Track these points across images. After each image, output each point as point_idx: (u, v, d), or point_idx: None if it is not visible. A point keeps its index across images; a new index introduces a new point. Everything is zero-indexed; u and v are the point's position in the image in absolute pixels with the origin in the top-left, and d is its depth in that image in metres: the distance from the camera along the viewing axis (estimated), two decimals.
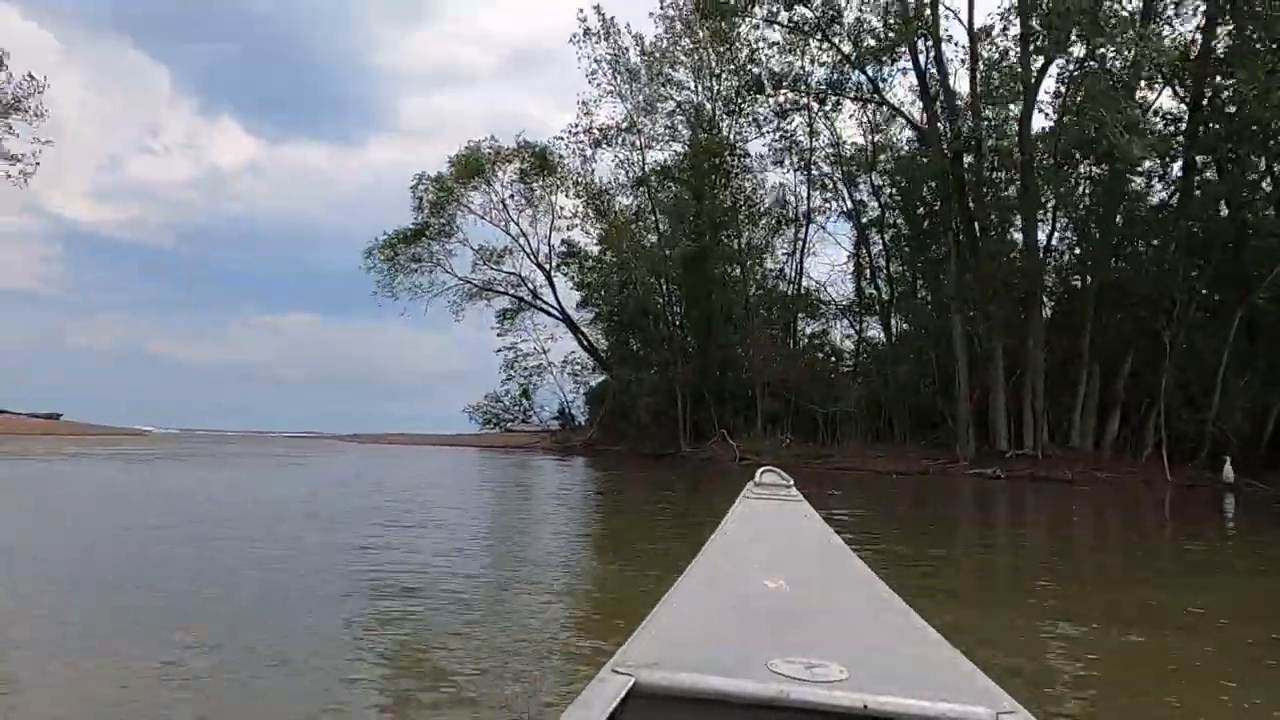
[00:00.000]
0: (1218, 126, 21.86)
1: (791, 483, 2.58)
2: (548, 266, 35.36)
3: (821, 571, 1.69)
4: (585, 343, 37.25)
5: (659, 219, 34.75)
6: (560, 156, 33.35)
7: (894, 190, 29.94)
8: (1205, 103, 21.91)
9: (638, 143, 33.70)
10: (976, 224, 24.56)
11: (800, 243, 33.47)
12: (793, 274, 33.59)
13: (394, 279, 33.32)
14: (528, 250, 34.86)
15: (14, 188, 28.24)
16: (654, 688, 0.93)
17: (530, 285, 35.71)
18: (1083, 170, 22.71)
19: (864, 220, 31.36)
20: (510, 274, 35.24)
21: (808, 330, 33.99)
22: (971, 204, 24.72)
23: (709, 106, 33.62)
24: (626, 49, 31.92)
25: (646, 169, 34.24)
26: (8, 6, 51.55)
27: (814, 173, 32.70)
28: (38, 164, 27.70)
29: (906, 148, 28.41)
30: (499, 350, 46.47)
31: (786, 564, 1.62)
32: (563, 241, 35.49)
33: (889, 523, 11.99)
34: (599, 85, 32.48)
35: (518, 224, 34.29)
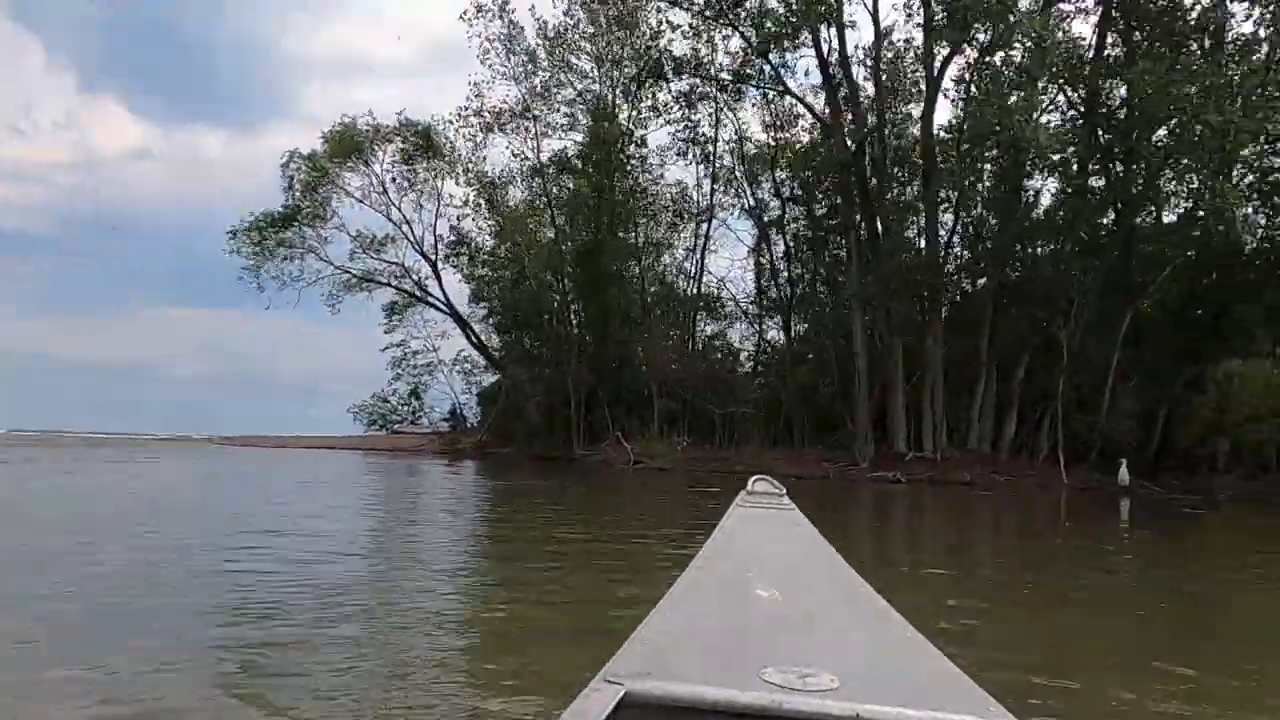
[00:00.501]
0: (1108, 131, 21.89)
1: (784, 491, 2.52)
2: (434, 257, 32.87)
3: (814, 580, 1.67)
4: (475, 340, 34.98)
5: (554, 212, 32.91)
6: (449, 141, 31.05)
7: (796, 185, 29.15)
8: (1099, 105, 21.91)
9: (533, 130, 31.84)
10: (878, 220, 23.89)
11: (701, 240, 32.35)
12: (693, 271, 32.39)
13: (261, 265, 30.11)
14: (411, 239, 32.34)
15: None
16: (645, 697, 0.91)
17: (415, 277, 33.17)
18: (985, 168, 22.32)
19: (765, 219, 30.48)
20: (393, 264, 32.61)
21: (707, 330, 32.85)
22: (873, 200, 24.05)
23: (610, 96, 32.09)
24: (522, 28, 29.99)
25: (543, 159, 32.41)
26: None
27: (716, 166, 31.61)
28: None
29: (809, 145, 27.59)
30: (385, 348, 43.71)
31: (779, 573, 1.60)
32: (451, 229, 33.11)
33: None
34: (491, 67, 30.47)
35: (400, 210, 31.75)
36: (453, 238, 33.16)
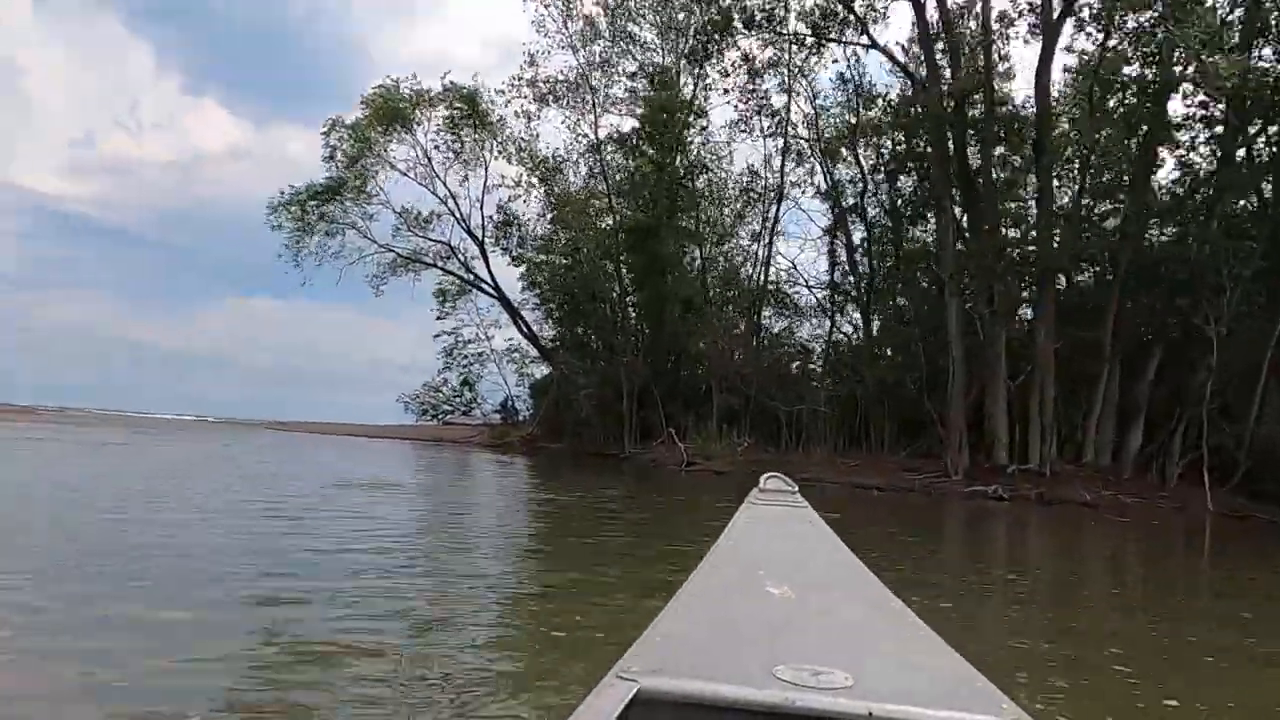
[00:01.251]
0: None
1: (796, 488, 2.50)
2: (480, 237, 30.64)
3: (827, 578, 1.66)
4: (525, 329, 32.71)
5: (611, 195, 30.32)
6: (497, 112, 28.77)
7: (880, 156, 25.79)
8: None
9: (590, 103, 29.29)
10: (979, 190, 20.41)
11: (770, 223, 29.20)
12: (761, 256, 29.30)
13: (301, 242, 28.44)
14: (458, 215, 30.16)
15: None
16: (658, 694, 0.91)
17: (462, 257, 31.01)
18: (1114, 116, 18.52)
19: (842, 201, 27.21)
20: (439, 243, 30.52)
21: (774, 321, 29.75)
22: (973, 169, 20.61)
23: (674, 68, 29.35)
24: None
25: (600, 136, 29.86)
26: None
27: (788, 138, 28.43)
28: None
29: (899, 103, 24.15)
30: (437, 335, 42.11)
31: (791, 570, 1.59)
32: (499, 209, 30.84)
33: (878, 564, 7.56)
34: (547, 34, 28.09)
35: (445, 184, 29.61)
36: (500, 218, 30.83)
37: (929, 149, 21.83)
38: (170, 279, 75.81)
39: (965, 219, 21.22)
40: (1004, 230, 20.25)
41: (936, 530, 12.63)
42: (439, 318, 41.03)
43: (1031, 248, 19.32)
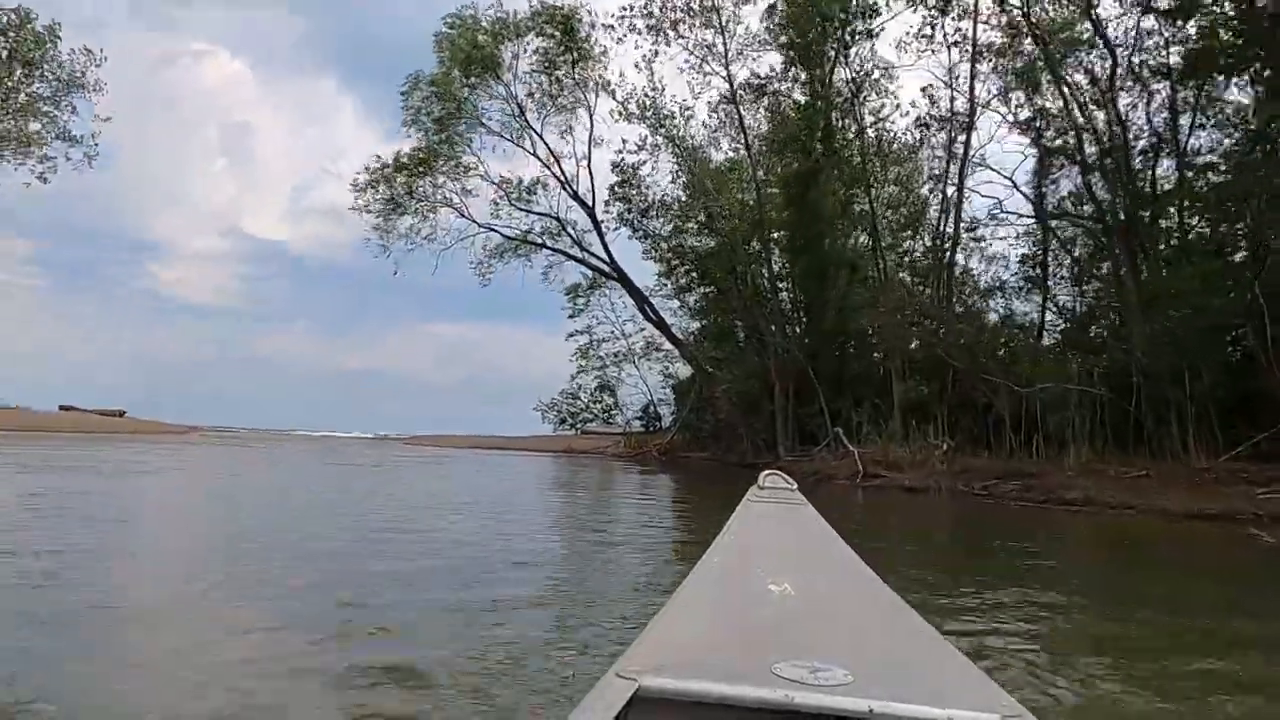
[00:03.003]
0: None
1: (795, 486, 2.49)
2: (591, 204, 25.34)
3: (826, 575, 1.66)
4: (652, 313, 27.01)
5: (750, 153, 24.13)
6: (600, 47, 23.44)
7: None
8: None
9: (723, 43, 23.24)
10: None
11: (958, 161, 21.66)
12: (949, 197, 21.86)
13: (389, 222, 24.46)
14: (562, 179, 25.05)
15: (74, 171, 24.29)
16: (658, 692, 0.91)
17: (573, 232, 25.88)
18: None
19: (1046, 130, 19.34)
20: (544, 215, 25.58)
21: (979, 276, 22.15)
22: None
23: None
24: None
25: (735, 85, 23.82)
26: (223, 50, 59.27)
27: (977, 48, 20.83)
28: (97, 145, 23.39)
29: None
30: (570, 335, 37.71)
31: (791, 568, 1.59)
32: (615, 168, 25.43)
33: None
34: None
35: (543, 139, 24.62)
36: (618, 177, 25.41)
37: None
38: (364, 307, 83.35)
39: None
40: None
41: None
42: (571, 315, 36.69)
43: None
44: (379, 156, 24.14)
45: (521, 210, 25.18)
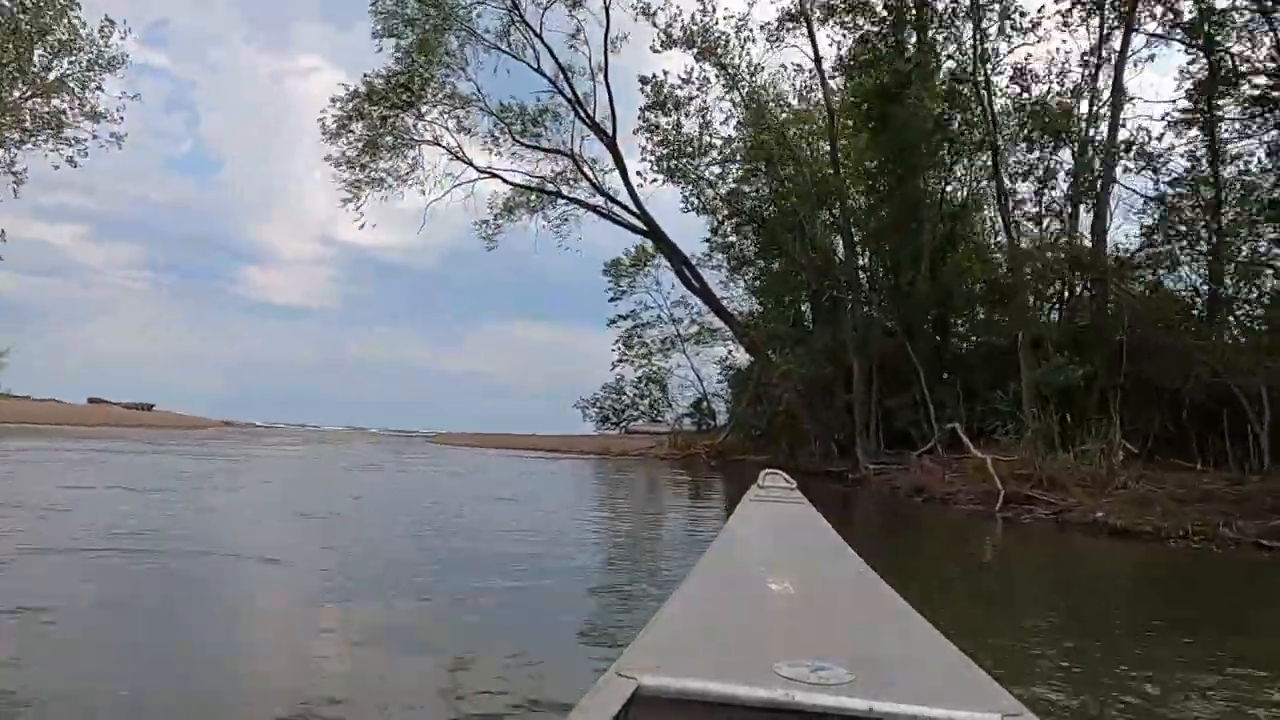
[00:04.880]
0: None
1: (795, 485, 2.54)
2: (611, 131, 19.98)
3: (826, 574, 1.67)
4: (693, 278, 21.59)
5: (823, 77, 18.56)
6: None
7: None
8: None
9: None
10: None
11: (1109, 67, 15.40)
12: (1091, 112, 15.65)
13: (366, 166, 19.63)
14: (573, 98, 19.72)
15: (102, 148, 23.40)
16: (657, 691, 0.91)
17: (593, 173, 20.62)
18: None
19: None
20: (553, 152, 20.39)
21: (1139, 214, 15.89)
22: None
23: None
24: None
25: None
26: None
27: None
28: (122, 120, 22.50)
29: None
30: (611, 321, 32.74)
31: (791, 566, 1.60)
32: (643, 84, 19.98)
33: None
34: None
35: (548, 49, 19.41)
36: (651, 98, 19.99)
37: None
38: (448, 309, 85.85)
39: None
40: None
41: None
42: (612, 298, 31.82)
43: None
44: (346, 85, 19.32)
45: (528, 146, 20.04)
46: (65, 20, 30.50)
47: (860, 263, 19.57)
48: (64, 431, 23.57)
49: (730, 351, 28.84)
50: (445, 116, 20.05)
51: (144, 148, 64.19)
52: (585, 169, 20.08)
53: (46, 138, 26.97)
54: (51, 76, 30.83)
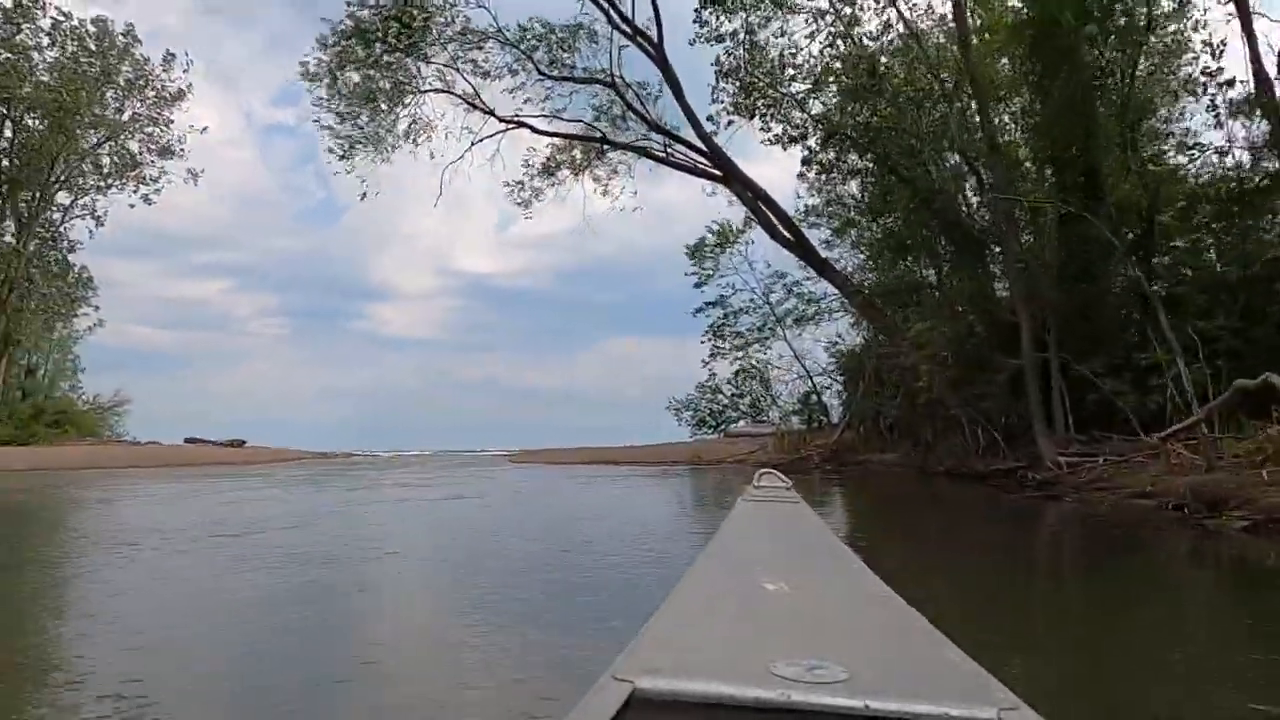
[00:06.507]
0: None
1: (790, 484, 2.53)
2: (655, 38, 15.24)
3: (821, 573, 1.64)
4: (783, 227, 16.65)
5: None
6: None
7: None
8: None
9: None
10: None
11: None
12: None
13: (367, 131, 15.87)
14: (610, 6, 15.18)
15: (185, 184, 26.57)
16: (653, 694, 0.90)
17: (640, 102, 16.04)
18: None
19: None
20: (590, 82, 15.93)
21: None
22: None
23: None
24: None
25: None
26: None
27: None
28: (186, 152, 25.68)
29: None
30: (698, 310, 28.54)
31: (786, 566, 1.59)
32: None
33: None
34: None
35: None
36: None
37: None
38: (560, 327, 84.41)
39: None
40: None
41: None
42: (697, 284, 27.71)
43: None
44: (330, 30, 15.54)
45: (558, 79, 15.70)
46: (131, 58, 29.27)
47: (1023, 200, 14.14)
48: (157, 473, 21.52)
49: (839, 336, 23.92)
50: (460, 61, 16.04)
51: (277, 204, 69.00)
52: (631, 99, 15.52)
53: (125, 181, 27.72)
54: (125, 116, 29.80)
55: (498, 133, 16.39)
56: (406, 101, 15.62)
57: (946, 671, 1.02)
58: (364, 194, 16.14)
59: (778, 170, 51.55)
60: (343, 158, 15.48)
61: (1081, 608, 4.15)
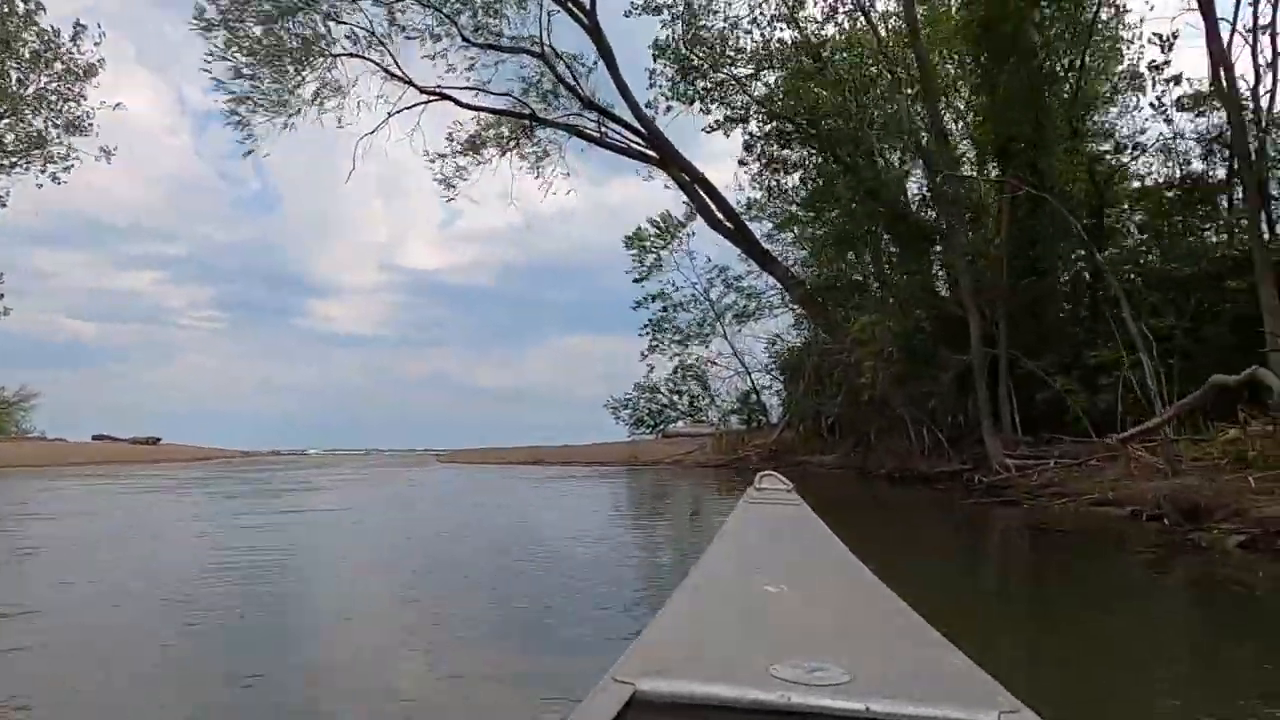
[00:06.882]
0: None
1: (791, 486, 2.44)
2: (586, 3, 14.15)
3: (822, 575, 1.63)
4: (720, 212, 15.79)
5: None
6: None
7: None
8: None
9: None
10: None
11: None
12: None
13: (274, 97, 14.40)
14: None
15: (97, 162, 23.58)
16: (654, 696, 0.90)
17: (572, 76, 14.96)
18: None
19: None
20: (517, 51, 14.78)
21: None
22: None
23: None
24: None
25: None
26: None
27: None
28: (95, 128, 22.86)
29: None
30: (636, 305, 27.51)
31: (787, 568, 1.59)
32: None
33: None
34: None
35: None
36: None
37: None
38: (511, 324, 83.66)
39: None
40: None
41: None
42: (636, 279, 26.70)
43: None
44: None
45: (482, 46, 14.48)
46: (34, 28, 26.73)
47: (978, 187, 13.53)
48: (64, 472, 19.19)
49: (778, 336, 23.28)
50: (376, 21, 14.67)
51: (216, 191, 66.70)
52: (562, 72, 14.42)
53: (30, 160, 25.09)
54: (29, 91, 27.26)
55: (418, 103, 15.09)
56: (315, 64, 14.17)
57: (948, 674, 1.00)
58: (249, 151, 14.69)
59: (718, 164, 51.46)
60: (240, 124, 13.97)
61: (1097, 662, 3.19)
